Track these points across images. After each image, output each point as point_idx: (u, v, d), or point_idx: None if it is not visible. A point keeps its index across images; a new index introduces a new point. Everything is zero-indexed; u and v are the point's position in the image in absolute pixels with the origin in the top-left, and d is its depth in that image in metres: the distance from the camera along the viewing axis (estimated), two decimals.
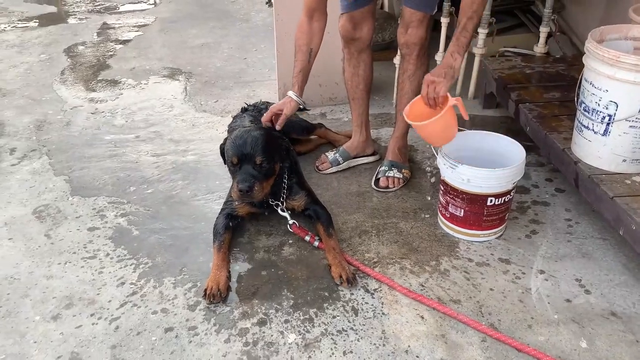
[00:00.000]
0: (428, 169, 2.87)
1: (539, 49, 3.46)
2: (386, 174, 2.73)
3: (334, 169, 2.87)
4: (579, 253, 2.28)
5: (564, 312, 2.00)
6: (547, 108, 2.81)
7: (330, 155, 2.90)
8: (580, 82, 2.36)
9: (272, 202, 2.34)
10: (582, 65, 3.18)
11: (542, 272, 2.19)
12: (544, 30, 3.40)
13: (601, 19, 3.71)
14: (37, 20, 5.30)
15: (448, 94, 2.22)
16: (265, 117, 2.54)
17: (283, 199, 2.36)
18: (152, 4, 5.76)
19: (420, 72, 2.61)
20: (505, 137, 2.41)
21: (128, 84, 3.94)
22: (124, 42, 4.74)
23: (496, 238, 2.37)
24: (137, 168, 2.93)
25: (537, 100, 2.89)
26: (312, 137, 3.04)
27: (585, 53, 2.29)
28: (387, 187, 2.71)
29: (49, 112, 3.54)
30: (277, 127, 2.49)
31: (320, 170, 2.88)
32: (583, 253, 2.28)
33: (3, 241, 2.40)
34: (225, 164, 2.40)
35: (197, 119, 3.45)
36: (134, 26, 5.12)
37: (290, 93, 2.52)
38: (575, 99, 2.40)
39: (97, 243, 2.39)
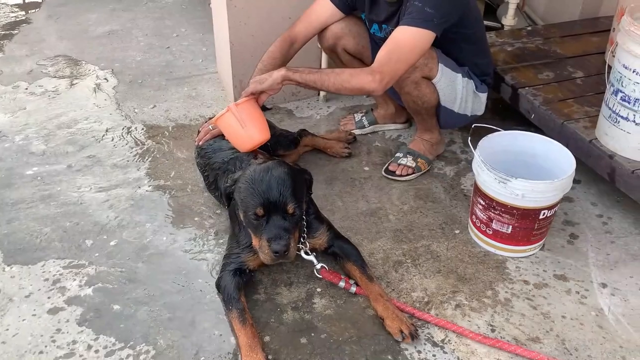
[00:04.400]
0: (439, 170, 2.56)
1: (509, 21, 3.24)
2: (398, 161, 2.51)
3: (357, 131, 2.79)
4: (628, 255, 2.12)
5: None
6: (549, 91, 2.59)
7: (358, 116, 2.83)
8: (611, 68, 2.14)
9: None
10: (556, 37, 3.05)
11: (604, 285, 1.99)
12: (513, 2, 3.17)
13: None
14: None
15: (251, 99, 2.12)
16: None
17: (304, 239, 1.92)
18: None
19: None
20: (540, 136, 2.15)
21: (31, 93, 3.15)
22: (6, 35, 3.83)
23: (540, 250, 2.13)
24: (85, 211, 2.31)
25: (534, 83, 2.66)
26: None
27: (619, 31, 2.05)
28: (395, 173, 2.49)
29: None
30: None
31: (342, 127, 2.81)
32: (632, 255, 2.12)
33: None
34: (227, 206, 1.91)
35: (137, 132, 2.82)
36: (12, 13, 4.17)
37: None
38: (607, 85, 2.19)
39: (69, 331, 1.81)
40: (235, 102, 2.14)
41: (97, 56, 3.57)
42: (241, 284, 1.85)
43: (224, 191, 1.81)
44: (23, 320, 1.84)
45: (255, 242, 1.73)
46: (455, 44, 2.27)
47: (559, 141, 2.25)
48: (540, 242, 2.11)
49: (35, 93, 3.15)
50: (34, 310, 1.88)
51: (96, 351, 1.74)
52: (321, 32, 2.48)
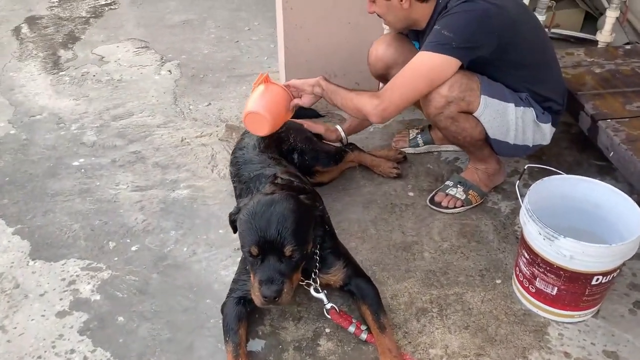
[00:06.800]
0: (493, 204, 2.30)
1: (604, 37, 2.84)
2: (446, 191, 2.26)
3: (410, 150, 2.56)
4: None
5: None
6: (636, 127, 2.22)
7: (413, 133, 2.60)
8: None
9: (301, 281, 1.75)
10: None
11: None
12: (612, 15, 2.77)
13: None
14: None
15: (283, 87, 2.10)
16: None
17: (316, 275, 1.77)
18: None
19: None
20: (605, 184, 1.84)
21: (98, 80, 3.22)
22: (90, 19, 3.95)
23: (592, 317, 1.83)
24: (116, 210, 2.30)
25: (619, 115, 2.29)
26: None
27: None
28: (440, 204, 2.25)
29: (0, 126, 2.84)
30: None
31: (393, 144, 2.60)
32: None
33: None
34: (235, 232, 1.79)
35: (186, 131, 2.78)
36: None
37: (339, 128, 2.43)
38: None
39: (70, 338, 1.79)
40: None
41: (167, 46, 3.58)
42: (243, 314, 1.73)
43: (229, 218, 1.69)
44: (32, 320, 1.85)
45: (251, 279, 1.60)
46: (502, 71, 2.00)
47: (636, 185, 1.93)
48: (594, 309, 1.81)
49: (101, 81, 3.22)
50: (44, 310, 1.88)
51: None
52: (370, 59, 2.32)
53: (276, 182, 1.81)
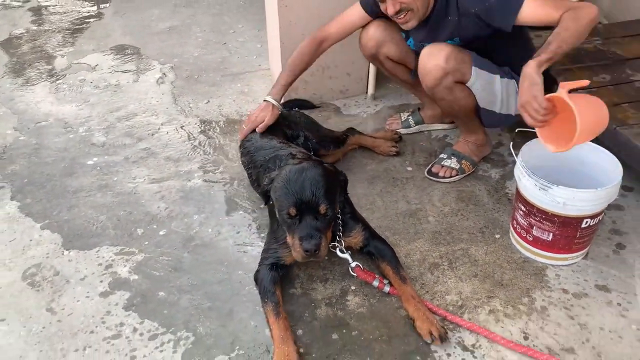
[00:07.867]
0: (484, 172, 2.54)
1: None
2: (442, 163, 2.51)
3: (403, 131, 2.80)
4: None
5: None
6: (604, 95, 2.49)
7: (404, 115, 2.84)
8: None
9: None
10: (617, 37, 2.93)
11: None
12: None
13: None
14: None
15: (555, 94, 1.87)
16: (244, 132, 2.41)
17: (340, 237, 1.97)
18: None
19: None
20: (589, 143, 2.09)
21: (95, 87, 3.34)
22: (77, 30, 4.06)
23: (583, 259, 2.09)
24: (138, 201, 2.44)
25: (589, 87, 2.57)
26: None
27: None
28: (438, 174, 2.49)
29: (7, 133, 2.94)
30: (258, 130, 2.36)
31: (387, 127, 2.83)
32: None
33: None
34: (266, 204, 1.97)
35: (191, 127, 2.94)
36: (83, 8, 4.41)
37: (270, 98, 2.40)
38: None
39: (117, 314, 1.94)
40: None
41: (158, 51, 3.73)
42: (277, 278, 1.92)
43: (262, 189, 1.88)
44: (77, 301, 1.99)
45: (289, 239, 1.79)
46: (494, 46, 2.24)
47: (611, 147, 2.19)
48: (583, 251, 2.07)
49: (99, 86, 3.34)
50: (88, 292, 2.02)
51: (141, 334, 1.86)
52: (361, 40, 2.52)
53: (297, 157, 2.00)
